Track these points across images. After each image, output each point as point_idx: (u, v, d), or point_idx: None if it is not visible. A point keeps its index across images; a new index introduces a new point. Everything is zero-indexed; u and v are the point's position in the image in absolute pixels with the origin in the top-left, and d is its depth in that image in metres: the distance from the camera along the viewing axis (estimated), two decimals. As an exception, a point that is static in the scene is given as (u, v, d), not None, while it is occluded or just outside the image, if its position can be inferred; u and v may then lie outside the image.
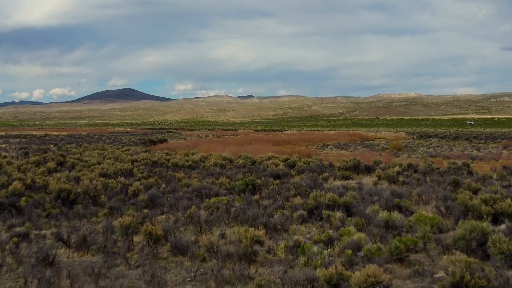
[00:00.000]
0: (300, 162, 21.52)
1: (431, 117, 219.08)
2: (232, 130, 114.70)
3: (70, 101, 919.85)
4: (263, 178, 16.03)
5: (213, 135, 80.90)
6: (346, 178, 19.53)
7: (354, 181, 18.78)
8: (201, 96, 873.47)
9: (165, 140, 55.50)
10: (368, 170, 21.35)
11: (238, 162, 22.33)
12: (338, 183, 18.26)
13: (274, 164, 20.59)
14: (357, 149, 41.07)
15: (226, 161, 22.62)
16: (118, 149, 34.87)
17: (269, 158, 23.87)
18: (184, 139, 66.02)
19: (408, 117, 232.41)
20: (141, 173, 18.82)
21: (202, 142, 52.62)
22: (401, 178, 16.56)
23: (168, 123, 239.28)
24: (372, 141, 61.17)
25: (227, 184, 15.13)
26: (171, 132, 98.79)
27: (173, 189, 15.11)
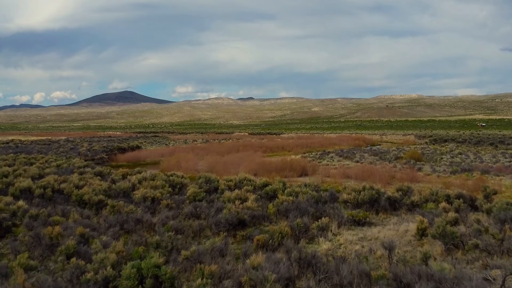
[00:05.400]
0: (284, 194, 13.32)
1: (437, 119, 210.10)
2: (226, 133, 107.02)
3: (69, 104, 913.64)
4: (205, 242, 7.88)
5: (202, 139, 73.10)
6: (359, 223, 11.52)
7: (375, 231, 10.75)
8: (201, 99, 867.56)
9: (138, 147, 47.37)
10: (393, 205, 13.27)
11: (187, 192, 14.17)
12: (346, 237, 10.23)
13: (240, 199, 12.38)
14: (364, 158, 33.11)
15: (168, 189, 14.43)
16: (55, 161, 26.77)
17: (240, 182, 15.75)
18: (166, 145, 58.23)
19: (413, 119, 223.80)
20: (5, 220, 10.80)
21: (181, 149, 44.77)
22: (470, 241, 8.41)
23: (163, 126, 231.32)
24: (379, 146, 53.41)
25: (107, 270, 6.97)
26: (158, 136, 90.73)
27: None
